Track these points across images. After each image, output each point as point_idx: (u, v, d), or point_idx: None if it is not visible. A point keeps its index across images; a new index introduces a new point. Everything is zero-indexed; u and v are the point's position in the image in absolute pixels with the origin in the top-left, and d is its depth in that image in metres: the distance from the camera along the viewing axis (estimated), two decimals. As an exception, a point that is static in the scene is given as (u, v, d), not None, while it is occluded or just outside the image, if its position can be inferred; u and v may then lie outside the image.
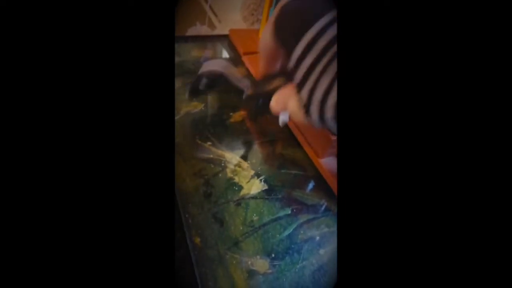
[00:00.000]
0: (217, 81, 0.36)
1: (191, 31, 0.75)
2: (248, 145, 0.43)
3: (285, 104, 0.29)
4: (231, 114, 0.47)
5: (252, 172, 0.40)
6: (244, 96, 0.39)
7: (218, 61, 0.38)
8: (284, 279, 0.31)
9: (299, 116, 0.26)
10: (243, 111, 0.48)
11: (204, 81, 0.36)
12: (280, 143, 0.45)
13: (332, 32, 0.22)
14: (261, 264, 0.31)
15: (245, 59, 0.59)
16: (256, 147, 0.44)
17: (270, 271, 0.31)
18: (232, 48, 0.63)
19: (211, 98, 0.50)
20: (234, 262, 0.31)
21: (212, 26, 0.81)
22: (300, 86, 0.24)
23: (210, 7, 0.81)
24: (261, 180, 0.39)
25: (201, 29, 0.76)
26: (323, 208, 0.37)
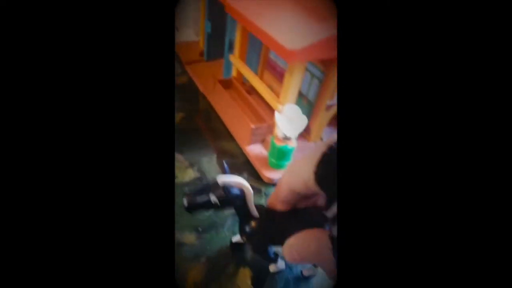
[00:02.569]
0: (233, 199, 0.28)
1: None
2: (187, 142, 0.49)
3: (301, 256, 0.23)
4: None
5: (187, 163, 0.45)
6: (248, 228, 0.30)
7: (237, 178, 0.28)
8: (209, 247, 0.36)
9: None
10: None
11: (219, 193, 0.27)
12: (216, 136, 0.51)
13: None
14: (189, 237, 0.37)
15: (187, 68, 0.65)
16: (195, 143, 0.49)
17: (197, 242, 0.36)
18: (177, 59, 0.69)
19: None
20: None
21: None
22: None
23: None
24: (194, 169, 0.44)
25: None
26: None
